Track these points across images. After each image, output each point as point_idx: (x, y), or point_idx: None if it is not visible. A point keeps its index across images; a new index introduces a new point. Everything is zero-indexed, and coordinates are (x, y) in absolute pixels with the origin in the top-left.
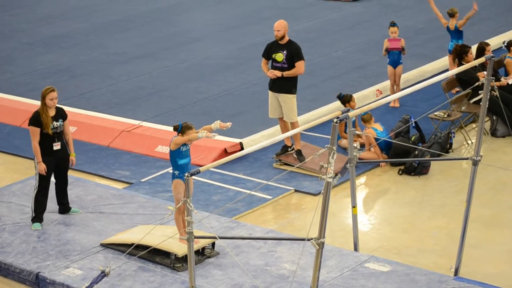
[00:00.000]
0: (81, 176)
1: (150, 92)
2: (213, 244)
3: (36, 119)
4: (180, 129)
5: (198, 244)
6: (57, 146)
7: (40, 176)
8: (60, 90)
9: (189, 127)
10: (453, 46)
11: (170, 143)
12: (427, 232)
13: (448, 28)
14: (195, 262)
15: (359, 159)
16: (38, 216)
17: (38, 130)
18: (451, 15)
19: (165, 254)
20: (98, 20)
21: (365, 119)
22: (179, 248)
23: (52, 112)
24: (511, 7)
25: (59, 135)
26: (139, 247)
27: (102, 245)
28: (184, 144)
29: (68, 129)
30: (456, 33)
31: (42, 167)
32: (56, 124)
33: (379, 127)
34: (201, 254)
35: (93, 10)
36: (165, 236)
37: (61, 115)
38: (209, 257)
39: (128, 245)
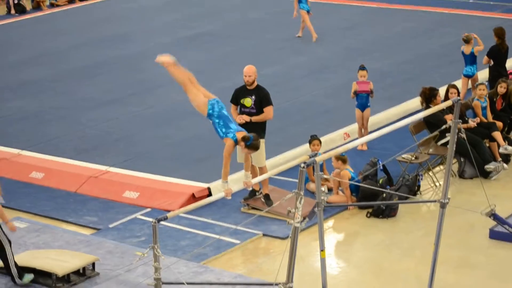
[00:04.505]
0: (49, 222)
1: (118, 137)
2: (93, 264)
3: None
4: (250, 143)
5: (78, 264)
6: None
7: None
8: (27, 136)
9: (256, 147)
10: (467, 71)
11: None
12: (396, 274)
13: (463, 53)
14: (75, 282)
15: (328, 202)
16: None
17: None
18: (466, 41)
19: (48, 275)
20: (66, 67)
21: (345, 159)
22: (59, 268)
23: None
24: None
25: None
26: (24, 269)
27: None
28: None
29: None
30: (471, 58)
31: None
32: None
33: (351, 169)
34: (82, 274)
35: (60, 57)
36: (49, 259)
37: None
38: (90, 277)
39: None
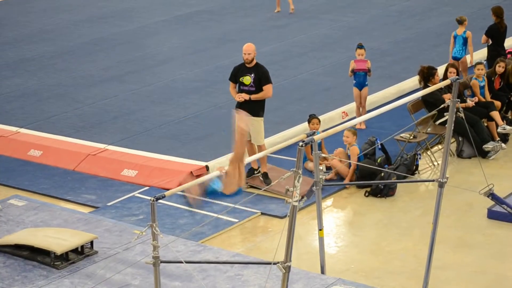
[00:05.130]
0: (47, 200)
1: (116, 115)
2: (92, 242)
3: None
4: None
5: (76, 243)
6: None
7: None
8: (26, 114)
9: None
10: (455, 53)
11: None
12: (394, 254)
13: (455, 35)
14: (74, 261)
15: (328, 180)
16: None
17: None
18: (460, 22)
19: (46, 253)
20: (65, 44)
21: (356, 133)
22: (57, 246)
23: None
24: (475, 29)
25: None
26: (22, 247)
27: None
28: None
29: None
30: (462, 40)
31: None
32: None
33: None
34: (80, 253)
35: (59, 34)
36: (47, 237)
37: None
38: (88, 255)
39: (11, 246)
